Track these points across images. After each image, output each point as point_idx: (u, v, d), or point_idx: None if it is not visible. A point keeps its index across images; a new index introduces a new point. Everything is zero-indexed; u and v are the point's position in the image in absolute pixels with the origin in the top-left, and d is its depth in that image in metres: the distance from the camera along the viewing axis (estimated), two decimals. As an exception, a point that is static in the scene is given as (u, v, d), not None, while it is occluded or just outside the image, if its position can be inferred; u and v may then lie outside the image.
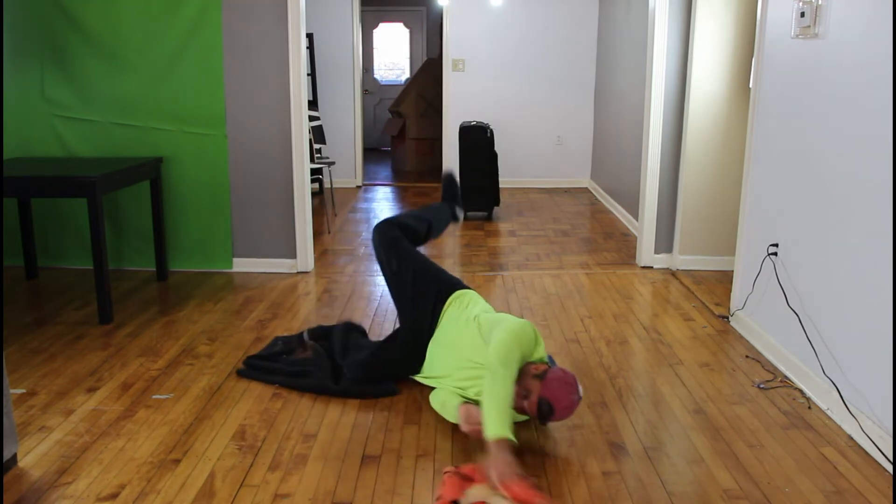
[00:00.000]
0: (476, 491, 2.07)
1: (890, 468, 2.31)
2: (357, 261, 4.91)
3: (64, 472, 2.29)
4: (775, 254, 3.19)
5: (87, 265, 4.49)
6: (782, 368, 3.09)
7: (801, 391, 2.89)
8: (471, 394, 2.57)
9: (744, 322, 3.52)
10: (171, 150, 4.38)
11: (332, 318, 3.73)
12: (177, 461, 2.36)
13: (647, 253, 4.74)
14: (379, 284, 4.36)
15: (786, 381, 2.98)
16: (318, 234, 5.59)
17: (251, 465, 2.34)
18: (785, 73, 3.14)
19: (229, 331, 3.55)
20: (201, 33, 4.24)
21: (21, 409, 2.70)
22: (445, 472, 2.19)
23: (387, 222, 3.07)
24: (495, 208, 6.47)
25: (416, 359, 2.85)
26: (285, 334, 3.45)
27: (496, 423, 2.18)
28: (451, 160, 7.78)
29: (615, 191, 6.61)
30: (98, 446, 2.44)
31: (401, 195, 7.54)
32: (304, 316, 3.77)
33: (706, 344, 3.41)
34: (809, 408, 2.75)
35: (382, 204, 7.07)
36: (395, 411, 2.72)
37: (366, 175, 8.54)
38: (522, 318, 2.96)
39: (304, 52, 4.41)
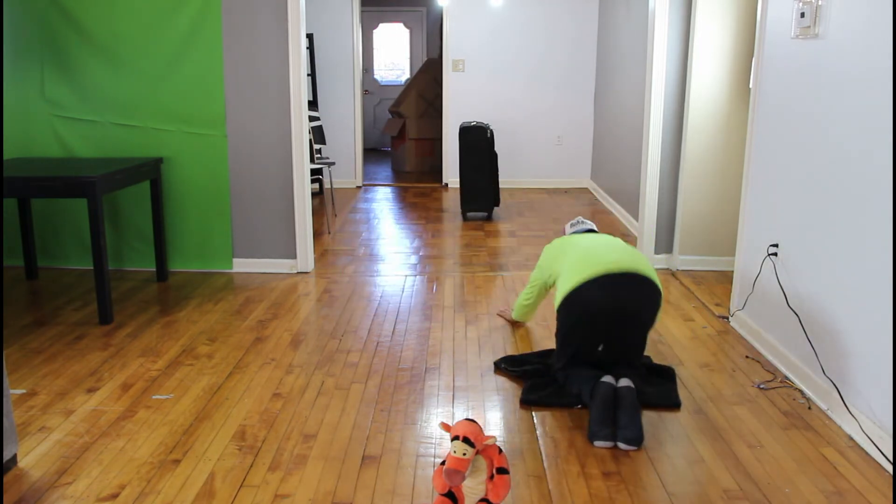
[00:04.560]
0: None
1: (890, 468, 2.31)
2: (357, 261, 4.91)
3: (64, 473, 2.29)
4: (775, 254, 3.19)
5: (87, 265, 4.50)
6: (782, 369, 3.09)
7: (801, 391, 2.89)
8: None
9: (744, 322, 3.52)
10: (171, 151, 4.38)
11: (332, 319, 3.73)
12: (177, 461, 2.36)
13: (647, 253, 4.73)
14: (379, 284, 4.36)
15: (786, 382, 2.98)
16: (318, 234, 5.59)
17: (251, 466, 2.34)
18: (785, 74, 3.14)
19: (229, 331, 3.55)
20: (201, 33, 4.25)
21: (21, 409, 2.70)
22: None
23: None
24: (495, 209, 6.47)
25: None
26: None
27: None
28: (451, 160, 7.79)
29: (615, 191, 6.61)
30: (98, 446, 2.44)
31: (401, 195, 7.54)
32: (305, 316, 3.77)
33: (706, 344, 3.41)
34: (809, 408, 2.75)
35: (382, 204, 7.07)
36: (395, 411, 2.72)
37: (366, 175, 8.54)
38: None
39: (304, 52, 4.41)
